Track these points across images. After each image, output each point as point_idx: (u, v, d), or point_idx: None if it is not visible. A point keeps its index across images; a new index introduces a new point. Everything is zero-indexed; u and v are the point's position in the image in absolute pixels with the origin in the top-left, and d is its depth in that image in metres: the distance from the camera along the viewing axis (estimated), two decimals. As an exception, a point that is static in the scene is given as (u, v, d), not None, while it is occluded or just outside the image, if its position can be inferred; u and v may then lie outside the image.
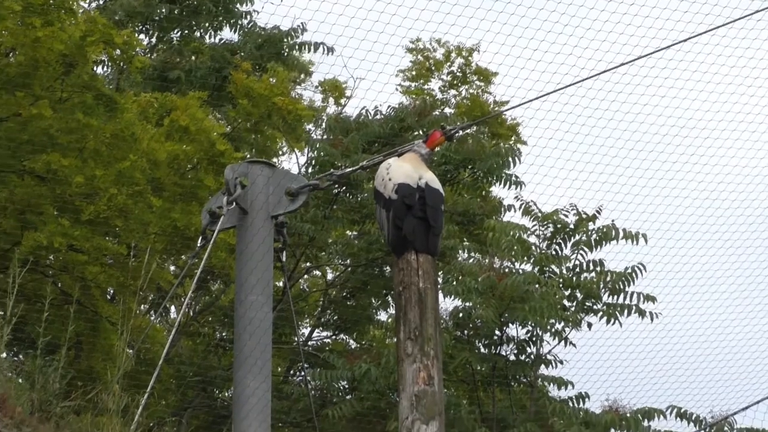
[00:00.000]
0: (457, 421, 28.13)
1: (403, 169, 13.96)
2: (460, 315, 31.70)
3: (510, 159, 33.06)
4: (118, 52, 27.63)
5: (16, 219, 25.12)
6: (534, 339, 33.11)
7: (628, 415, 33.44)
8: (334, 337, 33.93)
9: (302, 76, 34.07)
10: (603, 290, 33.28)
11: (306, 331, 33.08)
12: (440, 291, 15.32)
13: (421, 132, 28.98)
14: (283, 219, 21.21)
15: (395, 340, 15.68)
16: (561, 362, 33.28)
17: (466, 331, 32.04)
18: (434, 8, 26.34)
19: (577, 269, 33.52)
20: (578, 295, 33.36)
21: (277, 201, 21.04)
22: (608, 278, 33.33)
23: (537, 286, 32.90)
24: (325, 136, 33.64)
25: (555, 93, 21.37)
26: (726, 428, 35.25)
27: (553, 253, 33.60)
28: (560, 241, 33.70)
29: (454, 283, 30.58)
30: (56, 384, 15.63)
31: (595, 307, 33.34)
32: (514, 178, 33.38)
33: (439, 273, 14.63)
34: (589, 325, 33.23)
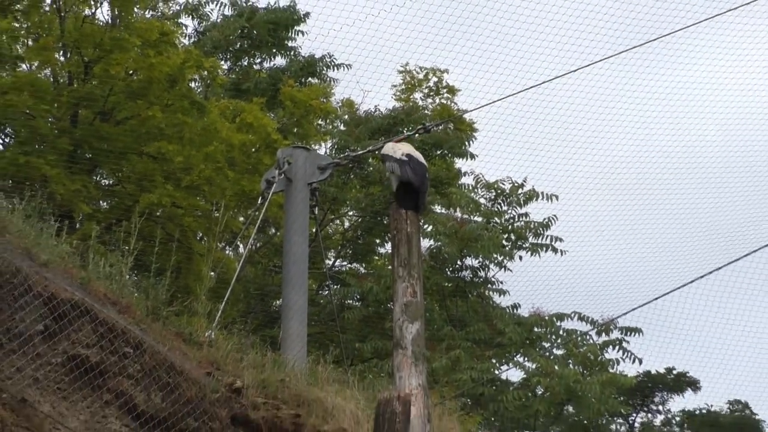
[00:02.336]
0: (431, 321, 28.15)
1: (404, 147, 14.14)
2: (434, 250, 32.14)
3: (465, 142, 33.34)
4: (205, 73, 28.01)
5: (136, 185, 25.29)
6: (483, 266, 33.36)
7: (546, 317, 33.59)
8: (349, 265, 33.98)
9: (330, 86, 34.31)
10: (529, 234, 33.52)
11: (331, 261, 33.10)
12: (421, 234, 15.44)
13: (409, 127, 29.09)
14: (315, 185, 21.38)
15: (391, 267, 15.75)
16: (501, 282, 33.65)
17: (437, 262, 32.22)
18: (418, 42, 26.85)
19: (512, 220, 33.74)
20: (512, 237, 33.60)
21: (311, 173, 21.14)
22: (532, 226, 33.61)
23: (485, 231, 33.10)
24: (343, 128, 33.89)
25: (491, 104, 22.38)
26: (611, 327, 35.26)
27: (496, 209, 33.86)
28: (501, 201, 34.00)
29: (429, 228, 30.92)
30: (163, 295, 15.55)
31: (524, 245, 33.55)
32: (468, 154, 33.70)
33: (421, 222, 14.70)
34: (520, 257, 33.53)
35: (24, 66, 26.87)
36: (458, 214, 33.52)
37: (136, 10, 27.35)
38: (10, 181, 22.31)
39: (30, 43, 26.71)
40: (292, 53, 35.27)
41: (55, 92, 25.83)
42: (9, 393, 11.87)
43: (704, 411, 44.82)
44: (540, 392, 32.92)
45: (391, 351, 13.36)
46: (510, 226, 34.07)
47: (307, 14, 34.20)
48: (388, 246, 32.19)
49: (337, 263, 34.03)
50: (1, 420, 11.56)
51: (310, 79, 33.85)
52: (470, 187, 34.27)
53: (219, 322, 17.31)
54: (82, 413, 13.11)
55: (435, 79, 34.38)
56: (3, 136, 27.17)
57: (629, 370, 37.04)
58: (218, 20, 35.18)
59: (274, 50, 35.27)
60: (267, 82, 33.85)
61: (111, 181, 27.06)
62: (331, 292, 32.74)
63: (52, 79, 26.57)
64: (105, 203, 26.61)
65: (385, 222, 31.92)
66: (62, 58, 26.14)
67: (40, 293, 12.78)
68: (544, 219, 33.86)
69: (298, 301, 20.51)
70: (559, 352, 34.60)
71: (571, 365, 33.81)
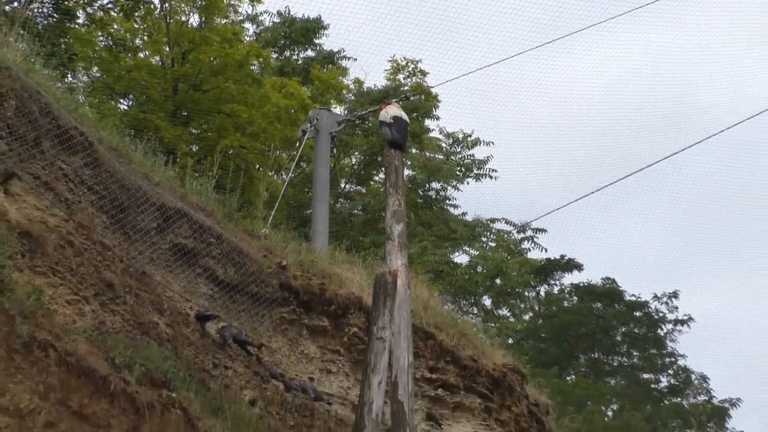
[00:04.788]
0: (409, 224, 28.28)
1: (392, 110, 13.92)
2: (412, 177, 32.28)
3: (432, 107, 33.29)
4: (261, 60, 27.96)
5: (216, 133, 25.43)
6: (443, 188, 33.48)
7: (484, 221, 33.73)
8: (355, 187, 33.98)
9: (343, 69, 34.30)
10: (473, 165, 33.59)
11: (343, 184, 33.06)
12: (403, 166, 15.63)
13: (396, 97, 29.11)
14: (334, 134, 21.30)
15: (383, 188, 15.77)
16: (455, 198, 33.90)
17: (413, 185, 32.25)
18: (401, 41, 27.05)
19: (463, 158, 33.86)
20: (463, 169, 33.63)
21: (332, 126, 21.07)
22: (477, 161, 33.63)
23: (445, 165, 33.11)
24: (353, 97, 33.85)
25: (448, 81, 22.40)
26: (526, 227, 35.44)
27: (453, 150, 33.94)
28: (456, 145, 34.06)
29: (409, 163, 30.97)
30: (234, 205, 15.52)
31: (470, 174, 33.64)
32: (434, 116, 33.66)
33: (403, 158, 14.83)
34: (467, 182, 33.66)
35: (141, 54, 27.07)
36: (427, 154, 33.68)
37: (216, 18, 27.59)
38: (134, 131, 22.26)
39: (146, 38, 26.96)
40: (318, 48, 35.52)
41: (162, 72, 25.99)
42: (134, 268, 11.84)
43: (585, 284, 44.83)
44: (479, 270, 33.12)
45: (384, 242, 13.35)
46: (462, 162, 34.22)
47: (328, 24, 34.85)
48: (382, 174, 32.32)
49: (347, 186, 34.02)
50: (130, 285, 11.55)
51: (330, 65, 34.03)
52: (436, 137, 34.70)
53: (270, 223, 17.32)
54: (182, 281, 13.11)
55: (412, 66, 34.30)
56: (129, 101, 27.19)
57: (537, 255, 37.33)
58: (270, 25, 35.86)
59: (306, 46, 35.66)
60: (301, 67, 34.29)
61: (199, 131, 27.00)
62: (344, 204, 32.98)
63: (160, 63, 26.52)
64: (195, 146, 26.57)
65: (379, 159, 32.01)
66: (167, 49, 26.16)
67: (154, 202, 12.75)
68: (484, 157, 34.13)
69: (323, 210, 20.56)
70: (492, 244, 34.81)
71: (499, 252, 34.06)
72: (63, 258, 10.67)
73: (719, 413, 44.89)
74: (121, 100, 27.58)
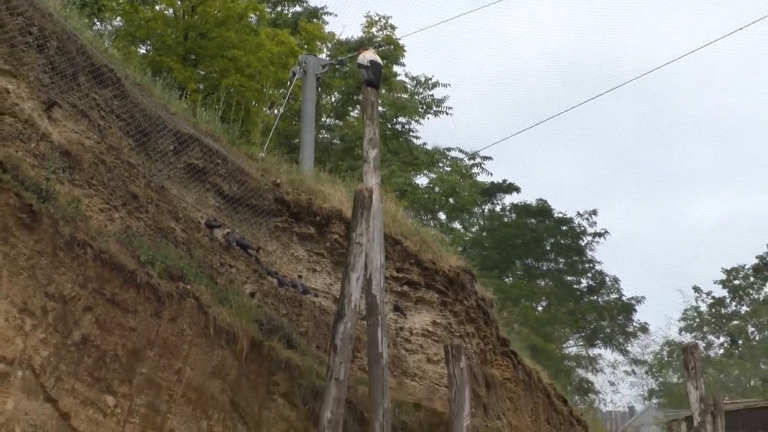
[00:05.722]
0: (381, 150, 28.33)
1: (369, 55, 13.72)
2: (383, 112, 32.10)
3: (399, 55, 33.04)
4: (258, 13, 27.36)
5: (219, 74, 25.02)
6: (408, 122, 33.32)
7: (441, 149, 33.80)
8: (336, 120, 33.70)
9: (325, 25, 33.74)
10: (433, 103, 33.46)
11: (325, 118, 32.84)
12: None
13: (371, 47, 28.83)
14: (319, 76, 21.10)
15: (361, 118, 15.63)
16: (417, 131, 33.71)
17: (384, 118, 32.10)
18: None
19: (425, 97, 33.66)
20: (424, 106, 33.49)
21: (317, 69, 20.84)
22: (435, 100, 33.48)
23: (410, 103, 32.97)
24: (330, 47, 33.53)
25: (412, 34, 22.10)
26: (476, 155, 35.47)
27: (416, 90, 33.72)
28: (418, 86, 33.83)
29: (380, 101, 30.83)
30: (236, 133, 15.44)
31: (429, 111, 33.55)
32: (401, 63, 33.41)
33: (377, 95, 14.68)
34: (428, 118, 33.51)
35: (158, 7, 26.54)
36: (395, 94, 33.46)
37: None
38: (152, 71, 22.05)
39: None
40: (304, 4, 34.92)
41: (175, 22, 25.54)
42: (155, 183, 11.79)
43: (522, 203, 44.96)
44: (436, 190, 33.15)
45: (362, 164, 13.31)
46: (423, 101, 34.01)
47: (312, -16, 34.05)
48: (357, 111, 32.11)
49: (328, 120, 33.77)
50: (151, 197, 11.53)
51: (314, 19, 33.44)
52: (402, 80, 34.39)
53: (266, 149, 17.25)
54: (194, 195, 13.05)
55: (384, 21, 33.95)
56: (147, 46, 26.74)
57: (484, 179, 37.38)
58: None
59: (294, 3, 34.99)
60: (291, 20, 33.56)
61: (205, 72, 26.61)
62: (325, 136, 32.70)
63: (173, 15, 26.07)
64: (202, 84, 26.22)
65: (354, 98, 31.81)
66: (179, 2, 25.66)
67: (171, 129, 12.65)
68: (442, 96, 33.98)
69: (309, 139, 20.46)
70: (448, 168, 34.80)
71: (453, 175, 34.10)
72: (96, 173, 10.63)
73: (627, 308, 45.54)
74: (141, 45, 27.15)
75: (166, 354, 9.77)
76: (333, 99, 34.38)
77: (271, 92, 26.81)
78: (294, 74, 21.22)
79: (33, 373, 8.26)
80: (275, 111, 27.77)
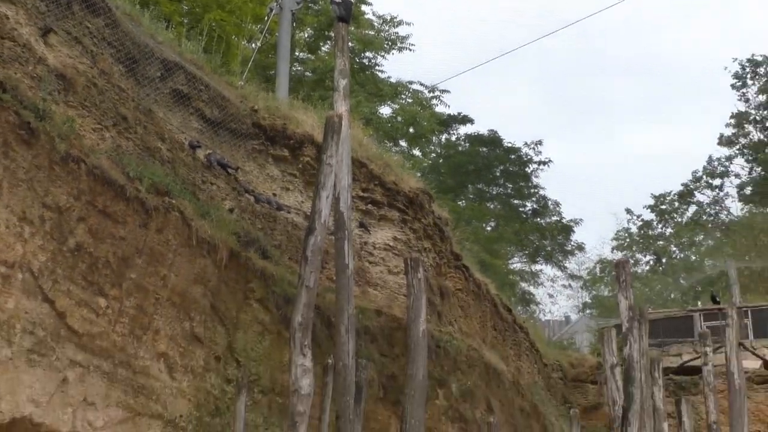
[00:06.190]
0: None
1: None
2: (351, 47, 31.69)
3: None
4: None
5: (202, 9, 24.33)
6: (374, 56, 33.00)
7: (403, 83, 33.50)
8: (309, 55, 33.12)
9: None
10: (397, 39, 33.14)
11: (298, 53, 32.32)
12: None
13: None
14: (294, 11, 20.72)
15: (332, 52, 15.42)
16: (382, 65, 33.50)
17: (352, 54, 31.67)
18: None
19: (389, 34, 33.31)
20: (390, 42, 33.16)
21: (292, 5, 20.46)
22: (400, 37, 33.19)
23: (376, 39, 32.60)
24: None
25: None
26: (435, 89, 35.29)
27: (381, 28, 33.37)
28: (383, 24, 33.47)
29: (349, 36, 30.37)
30: (218, 62, 15.19)
31: (393, 47, 33.23)
32: (368, 2, 33.02)
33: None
34: (392, 52, 33.23)
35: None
36: (363, 31, 33.05)
37: None
38: (139, 3, 21.51)
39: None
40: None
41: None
42: (143, 106, 11.63)
43: (475, 134, 44.77)
44: (398, 119, 33.05)
45: (332, 93, 13.16)
46: (388, 37, 33.63)
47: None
48: (329, 46, 31.69)
49: (303, 54, 33.24)
50: (139, 119, 11.38)
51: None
52: (369, 18, 33.89)
53: (245, 78, 17.02)
54: (179, 118, 12.90)
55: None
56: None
57: (442, 110, 37.24)
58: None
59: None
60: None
61: (189, 7, 25.94)
62: (298, 68, 32.20)
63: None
64: (186, 18, 25.58)
65: (326, 33, 31.39)
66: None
67: (158, 56, 12.43)
68: (406, 34, 33.59)
69: (284, 69, 20.15)
70: (409, 100, 34.62)
71: (414, 106, 33.96)
72: (89, 96, 10.45)
73: (566, 229, 45.93)
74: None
75: (153, 261, 9.75)
76: (306, 35, 33.85)
77: (250, 26, 26.32)
78: (271, 10, 20.79)
79: (32, 275, 8.22)
80: (253, 45, 27.34)
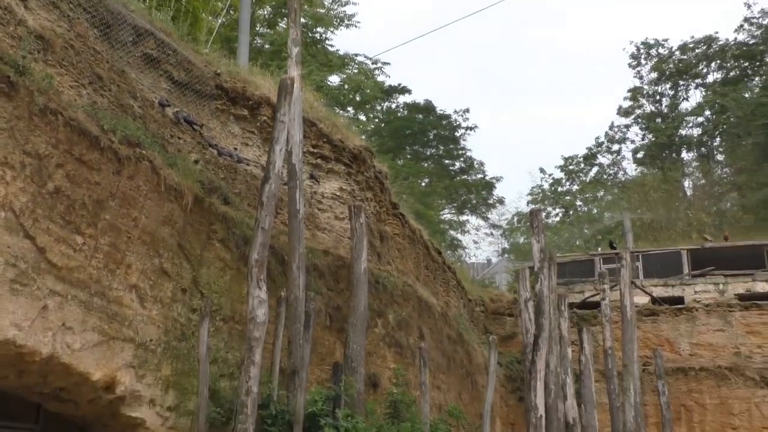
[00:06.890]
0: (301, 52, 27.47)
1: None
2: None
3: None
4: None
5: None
6: (325, 31, 32.25)
7: (355, 56, 32.83)
8: (267, 29, 32.28)
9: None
10: (345, 18, 32.40)
11: (258, 27, 31.47)
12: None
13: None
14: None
15: (287, 25, 14.92)
16: (332, 39, 32.68)
17: (305, 28, 30.94)
18: None
19: (338, 12, 32.58)
20: (337, 19, 32.40)
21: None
22: (347, 15, 32.46)
23: (326, 16, 31.87)
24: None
25: None
26: (379, 63, 34.75)
27: (330, 7, 32.58)
28: (333, 4, 32.67)
29: (303, 13, 29.53)
30: (185, 31, 14.69)
31: (342, 23, 32.51)
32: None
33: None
34: (341, 29, 32.42)
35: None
36: (315, 9, 32.32)
37: None
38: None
39: None
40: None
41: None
42: (116, 67, 11.20)
43: (412, 102, 44.27)
44: (345, 87, 32.63)
45: (287, 60, 12.84)
46: (337, 15, 32.99)
47: None
48: (284, 23, 30.95)
49: (262, 29, 32.45)
50: (113, 78, 10.96)
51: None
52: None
53: (209, 47, 16.54)
54: (149, 79, 12.44)
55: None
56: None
57: (384, 80, 36.80)
58: None
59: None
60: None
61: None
62: (261, 41, 31.40)
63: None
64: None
65: (282, 11, 30.62)
66: None
67: (130, 23, 11.96)
68: (352, 12, 32.96)
69: (245, 39, 19.60)
70: (356, 70, 34.17)
71: (359, 76, 33.55)
72: (67, 56, 10.01)
73: (489, 185, 46.22)
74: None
75: (125, 204, 9.45)
76: (266, 12, 33.07)
77: (214, 2, 25.47)
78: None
79: (14, 214, 7.88)
80: (218, 20, 26.56)
